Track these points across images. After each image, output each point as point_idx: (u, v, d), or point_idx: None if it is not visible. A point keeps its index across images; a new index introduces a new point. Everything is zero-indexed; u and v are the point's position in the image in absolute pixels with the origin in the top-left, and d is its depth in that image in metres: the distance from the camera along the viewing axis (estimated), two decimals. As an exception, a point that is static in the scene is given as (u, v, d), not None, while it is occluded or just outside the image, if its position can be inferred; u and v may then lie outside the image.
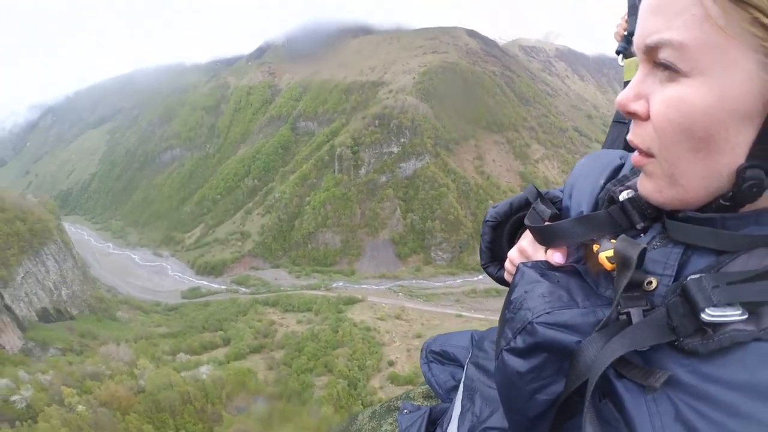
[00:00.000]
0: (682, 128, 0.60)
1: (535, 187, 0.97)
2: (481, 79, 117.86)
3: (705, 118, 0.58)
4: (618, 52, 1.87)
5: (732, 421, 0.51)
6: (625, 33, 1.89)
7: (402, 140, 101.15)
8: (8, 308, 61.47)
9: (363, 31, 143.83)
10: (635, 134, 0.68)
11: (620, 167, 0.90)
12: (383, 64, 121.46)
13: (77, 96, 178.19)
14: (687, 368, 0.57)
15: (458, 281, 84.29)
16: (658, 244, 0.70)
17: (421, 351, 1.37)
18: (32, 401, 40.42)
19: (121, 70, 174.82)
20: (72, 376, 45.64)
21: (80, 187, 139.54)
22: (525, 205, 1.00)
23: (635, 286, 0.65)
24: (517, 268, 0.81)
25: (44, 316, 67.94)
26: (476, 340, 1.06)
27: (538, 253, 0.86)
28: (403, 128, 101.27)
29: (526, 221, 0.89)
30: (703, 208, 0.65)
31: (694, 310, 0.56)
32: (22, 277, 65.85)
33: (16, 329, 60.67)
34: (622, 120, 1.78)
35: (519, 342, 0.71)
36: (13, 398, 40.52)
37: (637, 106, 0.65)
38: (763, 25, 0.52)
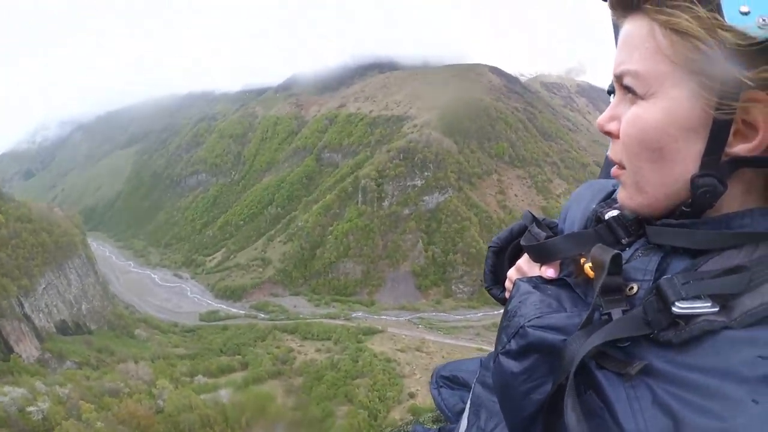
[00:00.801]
0: (638, 141, 0.71)
1: (531, 212, 1.04)
2: (504, 115, 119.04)
3: (655, 132, 0.68)
4: (609, 93, 1.80)
5: (705, 401, 0.56)
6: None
7: (425, 174, 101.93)
8: (27, 317, 61.65)
9: (389, 66, 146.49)
10: (612, 150, 0.79)
11: (612, 193, 0.98)
12: (408, 99, 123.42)
13: (109, 116, 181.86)
14: (663, 358, 0.63)
15: (479, 315, 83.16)
16: (640, 254, 0.78)
17: (432, 376, 1.41)
18: (49, 414, 39.83)
19: (153, 94, 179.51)
20: (90, 391, 45.35)
21: (105, 204, 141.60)
22: (525, 231, 1.05)
23: (616, 290, 0.71)
24: (514, 283, 0.90)
25: (62, 328, 68.17)
26: (484, 361, 1.12)
27: (534, 270, 0.93)
28: (427, 162, 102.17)
29: (522, 242, 0.98)
30: (669, 216, 0.75)
31: (666, 305, 0.63)
32: (44, 288, 66.29)
33: (33, 339, 60.77)
34: None
35: (513, 345, 0.77)
36: (29, 409, 39.88)
37: (611, 126, 0.77)
38: (702, 52, 0.61)
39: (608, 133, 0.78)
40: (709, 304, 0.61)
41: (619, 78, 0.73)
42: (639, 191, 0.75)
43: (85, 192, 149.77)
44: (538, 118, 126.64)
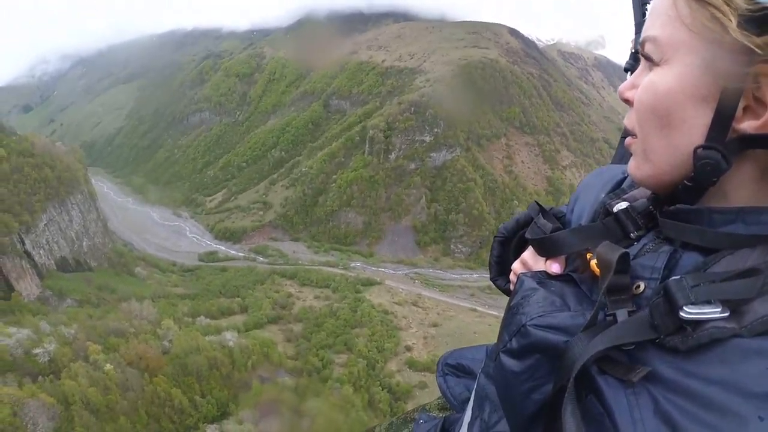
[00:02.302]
0: (649, 106, 0.70)
1: (537, 203, 1.02)
2: (519, 79, 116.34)
3: (665, 98, 0.68)
4: (626, 70, 1.89)
5: (709, 414, 0.53)
6: (633, 51, 1.90)
7: (435, 130, 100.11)
8: (28, 254, 60.53)
9: (405, 17, 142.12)
10: (627, 118, 0.78)
11: (622, 181, 0.96)
12: (423, 52, 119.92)
13: (111, 50, 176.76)
14: (668, 364, 0.59)
15: (475, 276, 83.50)
16: (649, 250, 0.75)
17: (437, 364, 1.39)
18: (55, 355, 38.84)
19: (157, 29, 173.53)
20: (95, 331, 44.47)
21: (104, 140, 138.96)
22: (531, 221, 1.02)
23: (622, 289, 0.69)
24: (518, 278, 0.87)
25: (63, 265, 67.11)
26: (489, 351, 1.07)
27: (539, 264, 0.91)
28: (438, 118, 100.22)
29: (527, 234, 0.95)
30: (672, 193, 0.74)
31: (674, 309, 0.59)
32: (45, 225, 64.97)
33: (34, 276, 59.90)
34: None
35: (514, 344, 0.76)
36: (35, 351, 38.65)
37: (629, 94, 0.76)
38: (718, 20, 0.60)
39: (626, 101, 0.78)
40: (719, 309, 0.58)
41: (642, 46, 0.73)
42: (646, 159, 0.74)
43: (84, 127, 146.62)
44: (553, 86, 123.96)
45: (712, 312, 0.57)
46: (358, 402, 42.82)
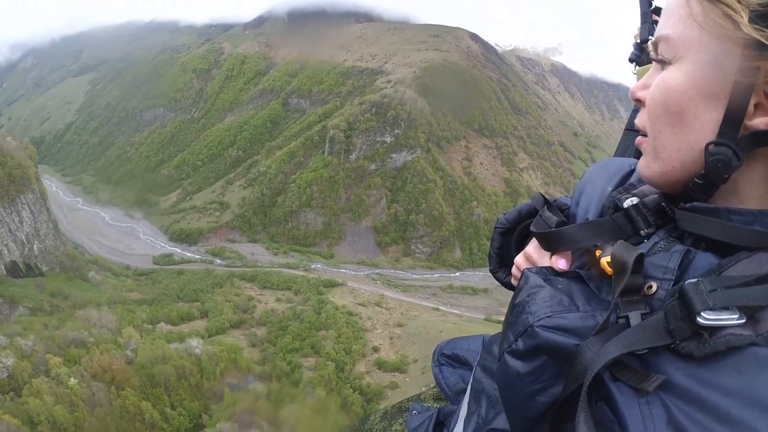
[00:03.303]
0: (661, 104, 0.70)
1: (542, 194, 0.99)
2: (479, 83, 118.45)
3: (677, 95, 0.67)
4: (631, 60, 1.95)
5: (723, 428, 0.52)
6: (638, 41, 1.95)
7: (396, 131, 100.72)
8: None
9: (367, 17, 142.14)
10: (639, 118, 0.78)
11: (629, 174, 0.94)
12: (385, 53, 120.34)
13: (64, 41, 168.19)
14: (683, 372, 0.58)
15: (436, 275, 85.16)
16: (661, 248, 0.73)
17: (433, 354, 1.37)
18: (14, 370, 36.41)
19: (113, 20, 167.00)
20: (54, 342, 42.24)
21: (53, 137, 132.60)
22: (534, 212, 1.01)
23: (634, 290, 0.67)
24: (522, 273, 0.84)
25: (13, 270, 63.65)
26: (486, 343, 1.07)
27: (544, 259, 0.88)
28: (399, 120, 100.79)
29: (532, 228, 0.92)
30: (681, 192, 0.73)
31: (691, 314, 0.57)
32: None
33: None
34: (634, 128, 1.84)
35: (520, 344, 0.73)
36: None
37: (641, 94, 0.76)
38: (729, 17, 0.60)
39: (638, 101, 0.77)
40: (736, 316, 0.56)
41: (655, 47, 0.73)
42: (656, 157, 0.73)
43: (33, 122, 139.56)
44: (511, 91, 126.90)
45: (730, 318, 0.56)
46: (332, 405, 42.18)
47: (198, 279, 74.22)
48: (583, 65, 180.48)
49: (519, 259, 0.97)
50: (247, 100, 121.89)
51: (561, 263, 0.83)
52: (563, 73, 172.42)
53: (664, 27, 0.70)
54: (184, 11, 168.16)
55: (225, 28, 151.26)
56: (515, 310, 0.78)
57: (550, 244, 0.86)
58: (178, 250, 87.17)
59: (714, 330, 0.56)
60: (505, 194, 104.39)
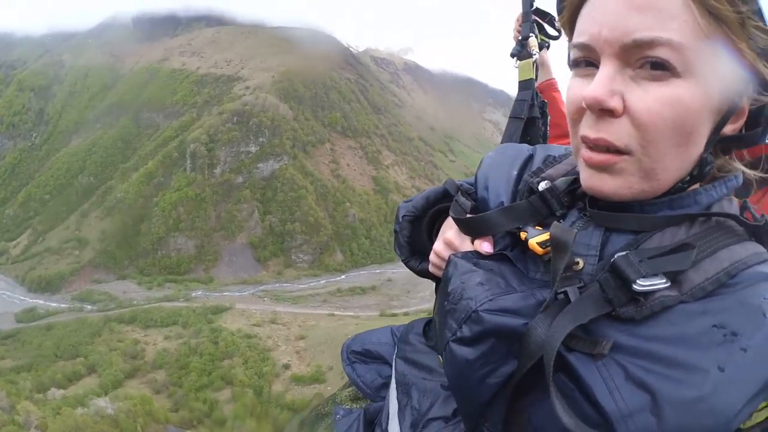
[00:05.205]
0: (675, 125, 0.66)
1: (453, 180, 1.03)
2: (338, 85, 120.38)
3: (695, 116, 0.66)
4: (513, 55, 2.19)
5: (676, 372, 0.59)
6: (520, 38, 2.22)
7: (261, 140, 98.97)
8: None
9: (219, 21, 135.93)
10: (608, 132, 0.70)
11: (529, 158, 0.98)
12: (240, 59, 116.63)
13: None
14: (626, 333, 0.64)
15: (322, 282, 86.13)
16: (580, 227, 0.78)
17: (342, 353, 1.38)
18: None
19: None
20: None
21: None
22: (441, 198, 1.04)
23: (567, 267, 0.71)
24: (449, 260, 0.84)
25: None
26: (399, 334, 1.10)
27: (465, 244, 0.90)
28: (263, 127, 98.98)
29: (452, 214, 0.94)
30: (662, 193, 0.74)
31: (626, 283, 0.64)
32: None
33: None
34: (519, 116, 2.13)
35: (465, 331, 0.73)
36: None
37: (614, 103, 0.68)
38: (732, 39, 0.64)
39: (607, 111, 0.69)
40: (664, 280, 0.64)
41: (638, 46, 0.65)
42: (648, 179, 0.71)
43: None
44: (369, 90, 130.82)
45: (659, 283, 0.64)
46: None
47: (72, 331, 67.24)
48: (432, 61, 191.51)
49: (439, 246, 0.97)
50: (94, 118, 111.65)
51: (485, 246, 0.85)
52: (415, 71, 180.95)
53: (659, 28, 0.64)
54: (19, 21, 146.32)
55: (65, 38, 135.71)
56: (451, 297, 0.78)
57: (473, 229, 0.88)
58: (41, 302, 78.39)
59: (647, 294, 0.64)
60: (375, 192, 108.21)
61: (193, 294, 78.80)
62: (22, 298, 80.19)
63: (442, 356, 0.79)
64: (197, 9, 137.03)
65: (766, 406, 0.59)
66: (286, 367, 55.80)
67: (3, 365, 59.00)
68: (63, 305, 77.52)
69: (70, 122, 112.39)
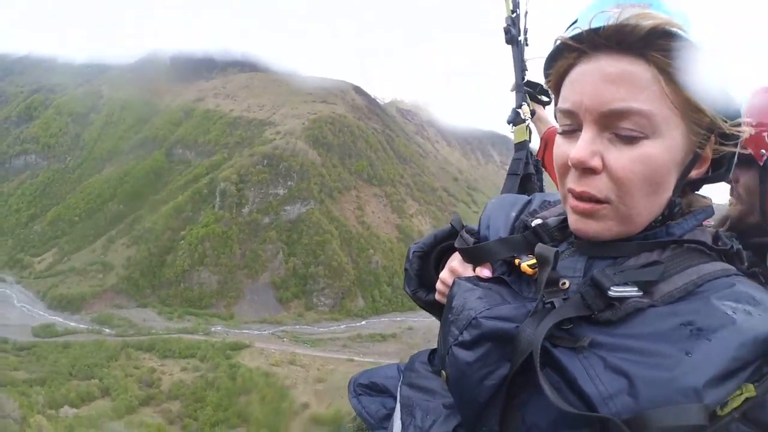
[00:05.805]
0: (645, 178, 0.80)
1: (459, 216, 1.17)
2: (365, 134, 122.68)
3: (662, 169, 0.80)
4: (509, 122, 2.41)
5: (649, 359, 0.69)
6: (515, 108, 2.43)
7: (289, 183, 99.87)
8: None
9: (252, 67, 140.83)
10: (590, 186, 0.83)
11: (528, 203, 1.13)
12: (272, 104, 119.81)
13: None
14: (604, 333, 0.75)
15: (342, 326, 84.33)
16: (567, 256, 0.90)
17: (349, 385, 1.40)
18: None
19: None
20: None
21: None
22: (446, 237, 1.17)
23: (553, 283, 0.83)
24: (453, 282, 0.97)
25: None
26: (407, 364, 1.14)
27: (468, 271, 1.02)
28: (291, 171, 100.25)
29: (456, 244, 1.07)
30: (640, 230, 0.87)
31: (602, 291, 0.76)
32: None
33: None
34: (516, 172, 2.39)
35: (466, 336, 0.83)
36: None
37: (595, 162, 0.81)
38: (691, 104, 0.78)
39: (589, 169, 0.82)
40: (635, 289, 0.76)
41: (614, 115, 0.79)
42: (625, 223, 0.83)
43: None
44: (395, 141, 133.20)
45: (631, 291, 0.75)
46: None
47: (89, 352, 66.42)
48: (452, 118, 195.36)
49: (444, 275, 1.09)
50: (128, 149, 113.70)
51: (485, 272, 0.97)
52: (439, 123, 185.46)
53: (631, 99, 0.78)
54: (61, 48, 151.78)
55: (103, 69, 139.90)
56: (454, 310, 0.89)
57: (474, 258, 1.00)
58: (60, 320, 77.41)
59: (621, 300, 0.75)
60: (399, 240, 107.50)
61: (213, 329, 77.64)
62: (41, 313, 79.34)
63: (445, 361, 0.89)
64: (233, 54, 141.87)
65: (740, 394, 0.67)
66: (305, 406, 54.25)
67: (16, 376, 58.16)
68: (82, 325, 76.67)
69: (105, 150, 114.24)
